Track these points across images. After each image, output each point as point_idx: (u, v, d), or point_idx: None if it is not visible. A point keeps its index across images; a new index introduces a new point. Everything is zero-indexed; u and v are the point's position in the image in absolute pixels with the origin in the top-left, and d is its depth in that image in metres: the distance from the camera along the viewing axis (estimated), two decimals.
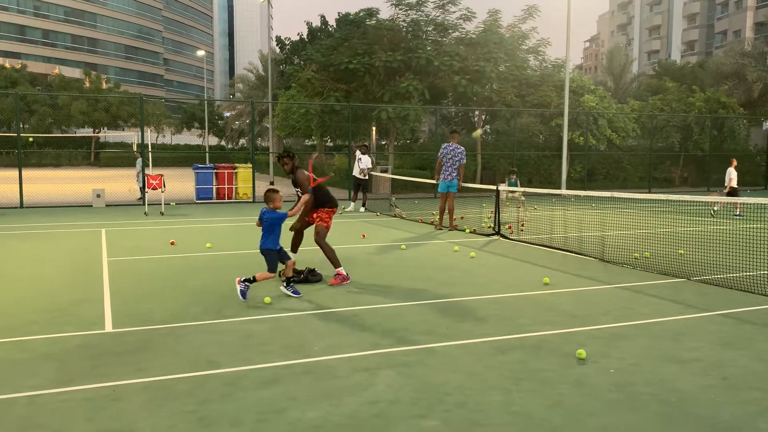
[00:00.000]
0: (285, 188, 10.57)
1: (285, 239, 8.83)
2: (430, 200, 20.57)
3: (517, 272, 8.81)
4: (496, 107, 27.35)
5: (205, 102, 69.73)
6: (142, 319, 6.18)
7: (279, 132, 36.76)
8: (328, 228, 8.13)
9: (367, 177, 18.21)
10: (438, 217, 13.90)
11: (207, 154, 45.42)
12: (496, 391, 4.37)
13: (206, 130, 57.55)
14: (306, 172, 8.05)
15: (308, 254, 9.42)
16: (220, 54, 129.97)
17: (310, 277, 7.92)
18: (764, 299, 7.10)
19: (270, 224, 7.01)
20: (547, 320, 6.20)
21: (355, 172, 18.29)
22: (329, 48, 27.10)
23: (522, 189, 15.32)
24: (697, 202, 12.03)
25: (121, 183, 23.61)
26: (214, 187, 21.28)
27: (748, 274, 8.35)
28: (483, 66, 25.35)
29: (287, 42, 42.55)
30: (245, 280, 6.91)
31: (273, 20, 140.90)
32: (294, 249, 8.65)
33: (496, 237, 12.30)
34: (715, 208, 16.84)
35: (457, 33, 27.32)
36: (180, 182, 25.17)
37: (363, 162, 17.95)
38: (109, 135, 59.57)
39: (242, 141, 67.17)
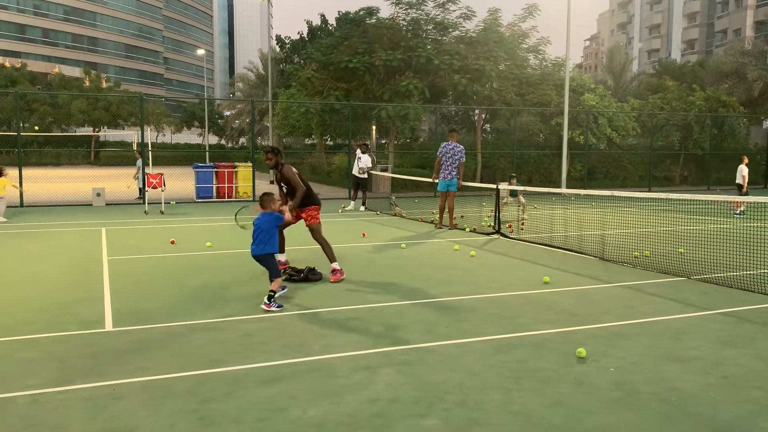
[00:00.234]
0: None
1: (286, 239, 8.83)
2: (430, 199, 20.57)
3: (517, 271, 8.82)
4: (496, 106, 27.35)
5: (205, 101, 69.76)
6: (143, 318, 6.18)
7: (279, 131, 36.78)
8: (320, 223, 8.30)
9: (366, 176, 18.21)
10: (438, 216, 13.91)
11: (207, 153, 45.46)
12: (496, 390, 4.37)
13: (206, 129, 57.57)
14: (294, 168, 8.19)
15: (308, 253, 9.43)
16: (220, 53, 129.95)
17: (310, 276, 7.94)
18: (764, 298, 7.10)
19: (268, 228, 6.81)
20: (547, 319, 6.21)
21: (355, 171, 18.28)
22: (329, 47, 27.10)
23: (522, 188, 15.32)
24: (696, 201, 12.03)
25: (121, 182, 23.62)
26: (214, 186, 21.28)
27: (748, 272, 8.35)
28: (483, 65, 25.34)
29: (287, 41, 42.53)
30: (270, 299, 6.49)
31: (273, 19, 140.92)
32: (281, 249, 8.71)
33: (496, 236, 12.30)
34: (741, 209, 16.67)
35: (457, 32, 27.32)
36: (180, 181, 25.17)
37: (363, 161, 17.94)
38: (109, 134, 59.59)
39: (242, 140, 67.22)
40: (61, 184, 23.86)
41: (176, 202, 19.62)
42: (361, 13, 27.51)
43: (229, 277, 8.20)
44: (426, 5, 26.61)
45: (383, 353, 5.14)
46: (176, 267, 8.95)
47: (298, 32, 40.50)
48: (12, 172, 15.12)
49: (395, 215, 16.20)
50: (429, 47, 25.80)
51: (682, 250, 10.15)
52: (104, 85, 58.59)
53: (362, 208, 17.97)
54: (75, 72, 65.20)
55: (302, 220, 8.30)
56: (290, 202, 8.09)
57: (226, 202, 20.76)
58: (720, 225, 13.69)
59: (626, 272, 8.68)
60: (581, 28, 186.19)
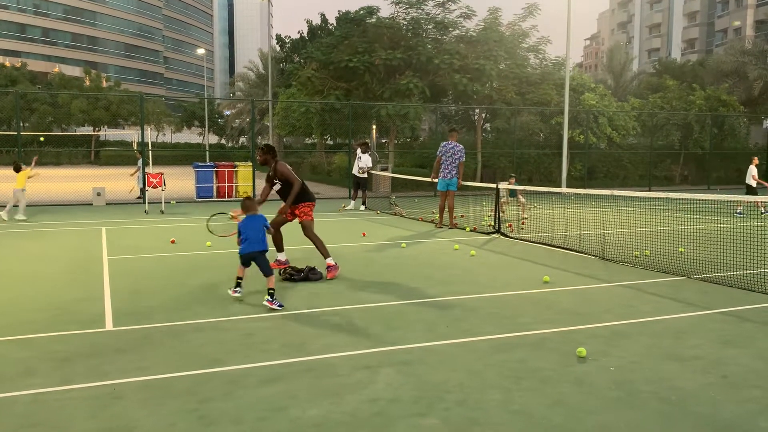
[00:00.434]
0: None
1: (286, 238, 8.84)
2: (430, 198, 20.57)
3: (517, 270, 8.82)
4: (496, 105, 27.34)
5: (205, 100, 69.79)
6: (143, 317, 6.18)
7: (279, 130, 36.78)
8: (313, 221, 8.40)
9: (366, 175, 18.21)
10: (438, 215, 13.90)
11: (207, 152, 45.46)
12: (496, 389, 4.37)
13: (206, 129, 57.57)
14: (287, 165, 8.28)
15: (308, 253, 9.43)
16: (220, 52, 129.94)
17: (310, 275, 7.94)
18: (765, 297, 7.10)
19: (256, 228, 6.82)
20: (548, 319, 6.21)
21: (355, 171, 18.28)
22: (329, 46, 27.10)
23: (521, 188, 15.31)
24: (696, 200, 12.07)
25: (121, 181, 23.61)
26: (214, 185, 21.28)
27: (748, 272, 8.35)
28: (483, 64, 25.34)
29: (287, 40, 42.52)
30: (272, 296, 6.55)
31: (273, 18, 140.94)
32: (280, 248, 8.73)
33: (496, 235, 12.30)
34: (763, 210, 16.63)
35: (457, 31, 27.32)
36: (180, 180, 25.16)
37: (363, 160, 17.94)
38: (109, 133, 59.58)
39: (242, 139, 67.19)
40: (61, 183, 23.84)
41: (176, 202, 19.62)
42: (362, 12, 27.52)
43: (229, 276, 8.18)
44: (426, 5, 26.63)
45: (383, 353, 5.14)
46: (176, 267, 8.95)
47: (299, 31, 40.56)
48: (11, 172, 15.11)
49: (395, 215, 16.20)
50: (429, 46, 25.79)
51: (683, 250, 10.15)
52: (104, 84, 58.57)
53: (362, 207, 17.97)
54: (75, 71, 65.18)
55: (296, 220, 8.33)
56: (290, 196, 8.13)
57: (227, 201, 20.76)
58: (720, 224, 13.68)
59: (626, 272, 8.68)
60: (581, 27, 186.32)
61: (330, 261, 8.17)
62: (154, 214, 16.19)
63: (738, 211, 16.68)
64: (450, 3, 26.74)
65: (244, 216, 6.94)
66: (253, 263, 6.85)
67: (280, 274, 8.12)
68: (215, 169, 21.32)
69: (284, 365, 4.83)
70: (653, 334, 5.70)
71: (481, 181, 25.24)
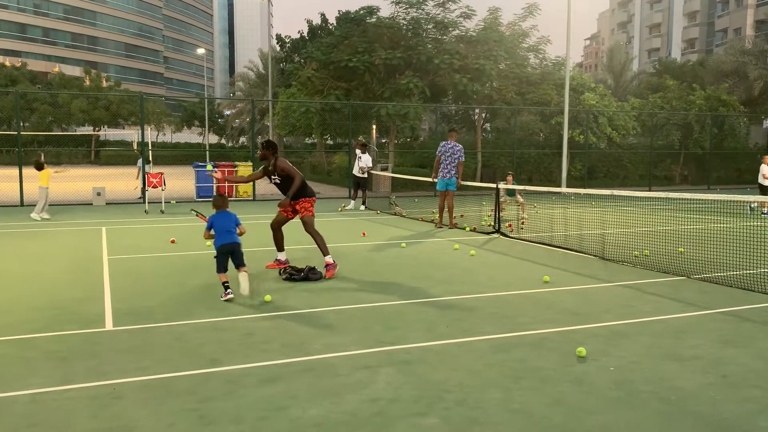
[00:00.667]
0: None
1: (287, 237, 8.84)
2: (430, 198, 20.56)
3: (517, 270, 8.82)
4: (496, 105, 27.34)
5: (206, 100, 69.76)
6: (143, 317, 6.18)
7: (279, 130, 36.76)
8: (313, 216, 8.40)
9: (366, 175, 18.21)
10: (438, 215, 13.91)
11: (207, 152, 45.43)
12: (496, 389, 4.37)
13: (206, 129, 57.55)
14: (287, 161, 8.31)
15: (308, 252, 9.43)
16: (220, 52, 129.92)
17: (310, 275, 7.94)
18: (765, 297, 7.10)
19: (234, 224, 7.17)
20: (547, 318, 6.21)
21: (355, 171, 18.27)
22: (329, 46, 27.10)
23: (521, 187, 15.30)
24: (696, 200, 12.05)
25: (121, 181, 23.61)
26: (214, 185, 21.27)
27: (748, 272, 8.36)
28: (483, 64, 25.34)
29: (287, 40, 42.52)
30: (225, 287, 6.87)
31: (273, 18, 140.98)
32: (280, 248, 8.74)
33: (496, 235, 12.30)
34: (765, 210, 16.62)
35: (457, 31, 27.32)
36: (180, 180, 25.16)
37: (363, 160, 17.94)
38: (109, 133, 59.58)
39: (242, 139, 67.17)
40: (61, 183, 23.85)
41: (176, 202, 19.62)
42: (362, 12, 27.51)
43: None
44: (426, 4, 26.63)
45: (383, 352, 5.14)
46: (176, 266, 8.95)
47: (299, 31, 40.55)
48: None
49: (395, 214, 16.20)
50: (429, 46, 25.79)
51: (682, 250, 10.15)
52: (104, 84, 58.58)
53: (362, 207, 17.97)
54: (75, 71, 65.19)
55: (297, 217, 8.32)
56: (291, 190, 8.14)
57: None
58: (720, 224, 13.68)
59: (626, 271, 8.68)
60: (581, 27, 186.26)
61: (329, 259, 8.17)
62: (154, 214, 16.19)
63: (752, 206, 16.58)
64: (450, 3, 26.75)
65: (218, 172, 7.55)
66: (230, 261, 7.11)
67: (280, 273, 8.13)
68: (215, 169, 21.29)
69: (284, 365, 4.84)
70: (653, 333, 5.70)
71: (481, 181, 25.24)
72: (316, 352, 5.14)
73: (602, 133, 27.85)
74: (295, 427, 3.78)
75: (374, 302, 6.81)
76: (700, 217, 15.02)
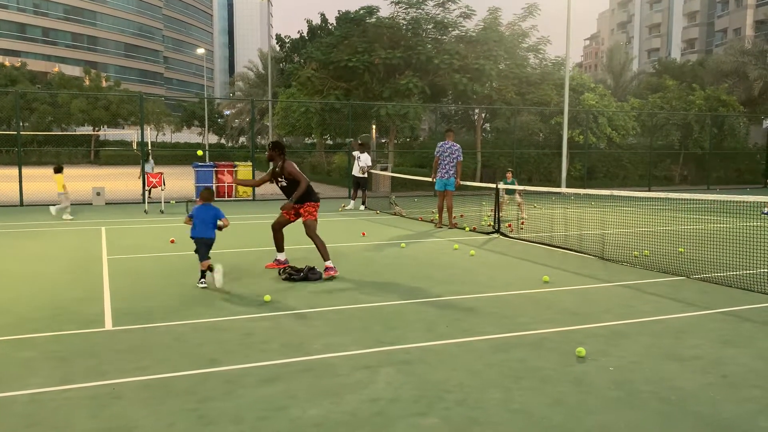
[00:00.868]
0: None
1: (287, 237, 8.84)
2: (430, 198, 20.55)
3: (517, 270, 8.82)
4: (496, 105, 27.35)
5: (205, 100, 69.75)
6: (142, 317, 6.18)
7: (279, 130, 36.76)
8: (316, 221, 8.36)
9: (366, 175, 18.20)
10: (437, 215, 13.91)
11: (207, 152, 45.40)
12: (495, 389, 4.37)
13: (206, 129, 57.57)
14: (295, 164, 8.30)
15: (308, 252, 9.43)
16: (220, 52, 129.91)
17: (309, 275, 7.94)
18: (764, 297, 7.10)
19: (211, 219, 7.57)
20: (547, 318, 6.21)
21: (355, 172, 18.26)
22: (329, 46, 27.10)
23: (521, 187, 15.30)
24: (696, 200, 12.05)
25: (121, 181, 23.60)
26: (214, 185, 21.27)
27: (748, 272, 8.36)
28: (483, 64, 25.34)
29: (287, 40, 42.49)
30: (202, 275, 7.55)
31: (273, 18, 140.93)
32: (280, 248, 8.73)
33: (495, 235, 12.30)
34: (766, 210, 16.61)
35: (456, 31, 27.32)
36: (180, 180, 25.16)
37: (363, 160, 17.94)
38: (108, 133, 59.58)
39: (242, 139, 67.19)
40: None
41: (176, 202, 19.61)
42: (361, 12, 27.51)
43: (228, 276, 8.20)
44: (426, 4, 26.63)
45: (383, 352, 5.14)
46: (176, 266, 8.95)
47: (298, 31, 40.52)
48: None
49: (395, 214, 16.20)
50: (429, 46, 25.78)
51: (682, 250, 10.15)
52: (104, 84, 58.57)
53: (362, 207, 17.97)
54: (75, 71, 65.19)
55: (299, 220, 8.31)
56: (295, 193, 8.13)
57: (226, 201, 20.76)
58: (720, 224, 13.68)
59: (626, 271, 8.68)
60: (581, 27, 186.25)
61: (329, 264, 8.12)
62: (154, 213, 16.19)
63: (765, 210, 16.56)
64: (450, 3, 26.74)
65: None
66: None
67: (279, 273, 8.12)
68: (215, 168, 21.32)
69: (283, 365, 4.83)
70: (653, 333, 5.70)
71: (481, 181, 25.24)
72: (315, 352, 5.14)
73: (602, 133, 27.85)
74: (295, 427, 3.78)
75: (374, 302, 6.81)
76: (700, 217, 15.02)
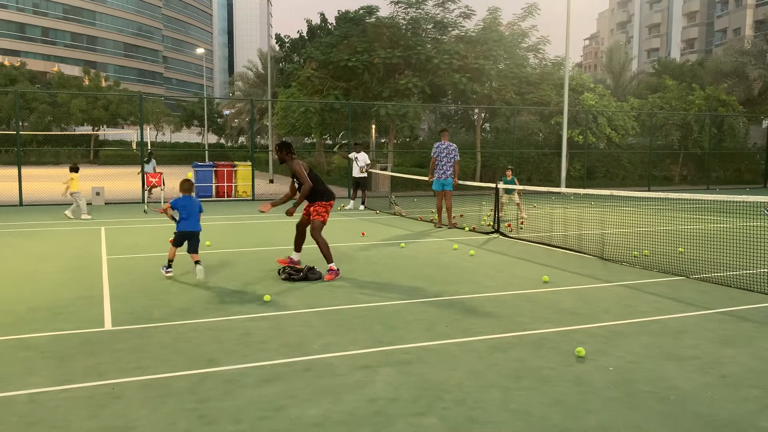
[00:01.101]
0: (286, 185, 10.56)
1: (287, 237, 8.83)
2: (430, 198, 20.56)
3: (517, 270, 8.82)
4: (495, 105, 27.35)
5: (205, 100, 69.70)
6: (142, 316, 6.18)
7: (278, 130, 36.77)
8: (324, 222, 8.25)
9: (365, 175, 18.20)
10: (437, 215, 13.91)
11: (206, 152, 45.45)
12: (495, 388, 4.37)
13: (206, 128, 57.58)
14: (302, 163, 8.22)
15: (308, 253, 9.42)
16: (219, 52, 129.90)
17: (309, 275, 7.94)
18: (764, 297, 7.11)
19: (199, 210, 7.98)
20: (547, 318, 6.21)
21: (355, 173, 18.24)
22: (329, 46, 27.08)
23: (520, 187, 15.30)
24: (696, 200, 12.04)
25: (120, 181, 23.60)
26: (213, 185, 21.28)
27: (747, 272, 8.36)
28: (482, 64, 25.34)
29: (287, 40, 42.47)
30: (169, 264, 8.01)
31: (272, 18, 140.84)
32: (298, 248, 8.68)
33: (495, 235, 12.31)
34: (766, 210, 16.61)
35: (456, 31, 27.31)
36: (179, 180, 25.10)
37: (361, 159, 17.94)
38: (108, 133, 59.58)
39: (242, 139, 67.19)
40: (61, 183, 23.84)
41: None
42: (361, 12, 27.50)
43: (228, 276, 8.20)
44: (425, 4, 26.60)
45: (382, 352, 5.14)
46: (175, 266, 8.94)
47: (298, 31, 40.48)
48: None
49: (395, 214, 16.20)
50: (428, 46, 25.77)
51: (682, 250, 10.16)
52: (103, 83, 58.59)
53: (362, 207, 17.97)
54: (74, 71, 65.18)
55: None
56: (300, 196, 8.14)
57: (226, 201, 20.76)
58: (720, 224, 13.69)
59: (625, 271, 8.69)
60: (581, 27, 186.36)
61: (332, 266, 8.05)
62: (154, 214, 16.19)
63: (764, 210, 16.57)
64: (449, 3, 26.73)
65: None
66: (186, 245, 7.92)
67: (279, 273, 8.12)
68: (214, 168, 21.32)
69: (283, 365, 4.84)
70: (652, 333, 5.71)
71: (481, 181, 25.24)
72: (314, 351, 5.15)
73: (601, 133, 27.85)
74: (295, 426, 3.78)
75: (373, 302, 6.81)
76: (700, 217, 15.03)
